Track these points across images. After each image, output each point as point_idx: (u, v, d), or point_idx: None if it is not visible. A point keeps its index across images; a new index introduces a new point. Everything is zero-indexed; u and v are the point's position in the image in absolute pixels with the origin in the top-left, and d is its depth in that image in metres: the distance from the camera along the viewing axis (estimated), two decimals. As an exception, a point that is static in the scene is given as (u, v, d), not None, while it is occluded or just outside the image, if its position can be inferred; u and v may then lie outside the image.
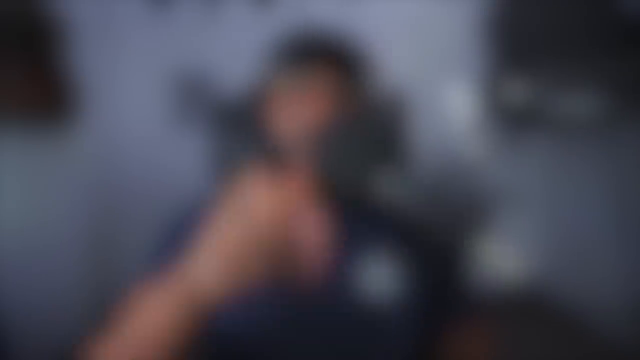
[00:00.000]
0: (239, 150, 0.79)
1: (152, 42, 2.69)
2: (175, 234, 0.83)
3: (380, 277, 0.76)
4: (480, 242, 3.03)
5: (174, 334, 0.71)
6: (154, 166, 2.59)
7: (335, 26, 0.82)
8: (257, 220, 0.65)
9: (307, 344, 0.72)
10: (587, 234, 2.37)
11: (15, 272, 2.10)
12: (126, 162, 2.62)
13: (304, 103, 0.75)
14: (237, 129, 0.80)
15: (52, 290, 2.24)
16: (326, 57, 0.79)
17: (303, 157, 0.74)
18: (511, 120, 2.83)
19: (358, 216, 0.83)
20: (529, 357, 2.05)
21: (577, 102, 2.30)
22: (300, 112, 0.75)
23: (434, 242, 0.84)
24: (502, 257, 2.98)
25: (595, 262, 2.30)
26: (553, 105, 2.44)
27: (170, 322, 0.72)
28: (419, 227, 0.84)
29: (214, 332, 0.75)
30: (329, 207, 0.79)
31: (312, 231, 0.69)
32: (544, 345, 2.16)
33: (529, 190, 2.83)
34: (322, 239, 0.69)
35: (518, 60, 2.69)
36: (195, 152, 2.65)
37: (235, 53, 2.32)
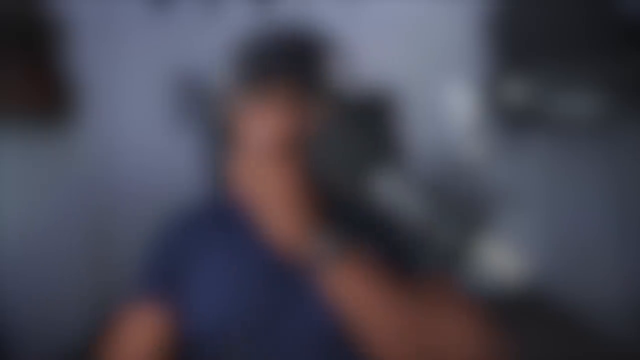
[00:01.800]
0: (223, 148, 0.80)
1: (151, 42, 2.69)
2: (166, 255, 0.85)
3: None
4: (481, 241, 3.03)
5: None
6: (152, 165, 2.60)
7: (316, 28, 0.82)
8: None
9: (290, 328, 0.74)
10: (587, 233, 2.37)
11: (14, 270, 2.10)
12: (125, 161, 2.62)
13: (284, 108, 0.75)
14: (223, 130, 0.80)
15: (51, 287, 2.24)
16: (304, 66, 0.79)
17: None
18: (511, 120, 2.83)
19: (344, 214, 0.83)
20: (530, 356, 2.05)
21: (577, 102, 2.30)
22: (277, 117, 0.75)
23: (414, 238, 0.86)
24: (503, 256, 2.97)
25: (595, 262, 2.30)
26: (553, 105, 2.44)
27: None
28: (401, 224, 0.84)
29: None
30: (315, 206, 0.79)
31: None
32: (544, 344, 2.16)
33: (529, 189, 2.83)
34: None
35: (518, 61, 2.69)
36: (193, 151, 2.65)
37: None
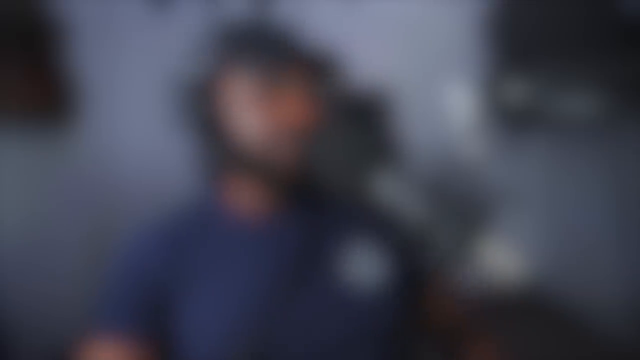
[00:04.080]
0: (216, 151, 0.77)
1: (151, 42, 2.69)
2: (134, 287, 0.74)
3: (362, 264, 0.77)
4: (481, 241, 3.03)
5: None
6: (152, 165, 2.60)
7: (313, 25, 0.81)
8: None
9: (296, 334, 0.72)
10: (587, 233, 2.37)
11: (14, 270, 2.11)
12: (124, 161, 2.62)
13: (282, 103, 0.73)
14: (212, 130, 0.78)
15: (51, 287, 2.24)
16: (304, 58, 0.77)
17: (281, 157, 0.72)
18: (511, 120, 2.83)
19: (335, 211, 0.82)
20: (530, 356, 2.05)
21: (577, 102, 2.30)
22: (277, 112, 0.74)
23: (410, 235, 0.84)
24: (503, 256, 2.97)
25: (595, 261, 2.30)
26: (553, 105, 2.44)
27: None
28: (397, 221, 0.83)
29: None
30: (306, 204, 0.78)
31: None
32: (543, 344, 2.16)
33: (529, 189, 2.83)
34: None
35: (518, 60, 2.69)
36: (192, 152, 2.65)
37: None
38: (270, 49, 0.75)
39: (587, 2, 2.30)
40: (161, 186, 2.35)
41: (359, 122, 2.64)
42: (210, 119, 0.77)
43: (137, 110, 2.60)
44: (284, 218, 0.78)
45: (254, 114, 0.73)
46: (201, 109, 0.78)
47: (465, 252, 2.90)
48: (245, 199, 0.77)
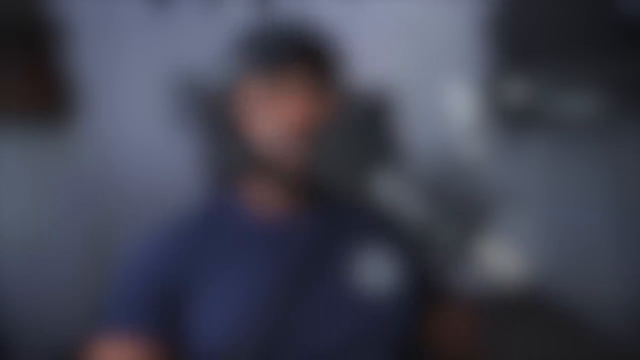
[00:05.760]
0: (225, 152, 0.77)
1: (151, 42, 2.69)
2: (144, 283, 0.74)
3: (372, 266, 0.77)
4: (481, 241, 3.03)
5: None
6: (153, 165, 2.60)
7: (317, 23, 0.81)
8: None
9: (304, 333, 0.72)
10: (587, 233, 2.37)
11: (14, 270, 2.11)
12: (125, 161, 2.62)
13: (288, 102, 0.73)
14: (222, 130, 0.77)
15: (51, 286, 2.24)
16: (309, 56, 0.77)
17: (290, 156, 0.72)
18: (511, 120, 2.83)
19: (345, 212, 0.82)
20: (530, 356, 2.05)
21: (577, 102, 2.30)
22: (284, 112, 0.74)
23: (417, 238, 0.84)
24: (502, 256, 2.98)
25: (595, 261, 2.30)
26: (553, 105, 2.45)
27: None
28: (405, 224, 0.83)
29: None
30: (316, 204, 0.78)
31: None
32: (543, 344, 2.16)
33: (529, 189, 2.83)
34: None
35: (518, 60, 2.69)
36: (193, 151, 2.66)
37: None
38: (276, 50, 0.75)
39: (587, 2, 2.30)
40: (162, 186, 2.35)
41: (359, 122, 2.64)
42: (221, 121, 0.78)
43: (137, 110, 2.60)
44: (297, 218, 0.78)
45: (263, 114, 0.74)
46: (212, 112, 0.79)
47: (465, 252, 2.90)
48: (258, 199, 0.78)
